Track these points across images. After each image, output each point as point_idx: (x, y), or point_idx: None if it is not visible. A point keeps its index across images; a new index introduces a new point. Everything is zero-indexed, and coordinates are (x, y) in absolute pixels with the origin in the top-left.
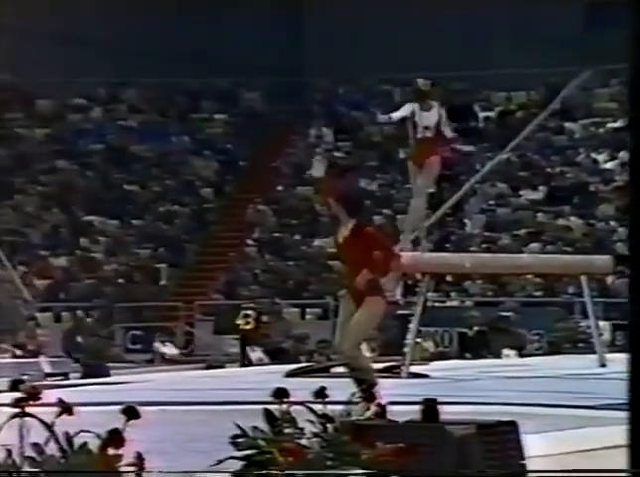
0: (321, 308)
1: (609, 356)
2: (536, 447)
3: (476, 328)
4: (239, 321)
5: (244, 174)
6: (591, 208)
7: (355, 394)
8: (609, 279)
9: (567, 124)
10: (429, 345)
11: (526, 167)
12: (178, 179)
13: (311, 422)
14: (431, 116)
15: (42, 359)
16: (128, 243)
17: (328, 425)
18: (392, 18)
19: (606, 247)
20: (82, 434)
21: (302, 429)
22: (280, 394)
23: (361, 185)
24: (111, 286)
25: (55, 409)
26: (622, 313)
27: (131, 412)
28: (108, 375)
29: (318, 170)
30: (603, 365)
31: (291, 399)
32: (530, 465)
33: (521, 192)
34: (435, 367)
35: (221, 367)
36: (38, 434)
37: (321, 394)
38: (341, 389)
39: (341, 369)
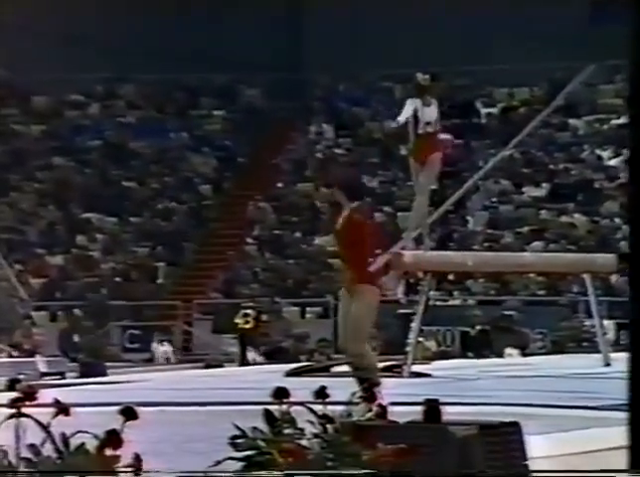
0: (321, 307)
1: (613, 355)
2: (539, 448)
3: (478, 327)
4: (238, 320)
5: (244, 171)
6: (595, 205)
7: (356, 393)
8: (613, 278)
9: (571, 120)
10: (431, 344)
11: (529, 164)
12: (176, 176)
13: (311, 423)
14: (432, 111)
15: (38, 358)
16: (126, 241)
17: (328, 426)
18: (392, 16)
19: (610, 245)
20: (80, 435)
21: (302, 430)
22: (280, 393)
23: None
24: (108, 285)
25: (51, 410)
26: (626, 312)
27: (129, 412)
28: (105, 374)
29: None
30: (607, 364)
31: (291, 399)
32: (533, 466)
33: (524, 189)
34: (437, 366)
35: (220, 366)
36: (34, 435)
37: (321, 393)
38: (341, 388)
39: (342, 368)
